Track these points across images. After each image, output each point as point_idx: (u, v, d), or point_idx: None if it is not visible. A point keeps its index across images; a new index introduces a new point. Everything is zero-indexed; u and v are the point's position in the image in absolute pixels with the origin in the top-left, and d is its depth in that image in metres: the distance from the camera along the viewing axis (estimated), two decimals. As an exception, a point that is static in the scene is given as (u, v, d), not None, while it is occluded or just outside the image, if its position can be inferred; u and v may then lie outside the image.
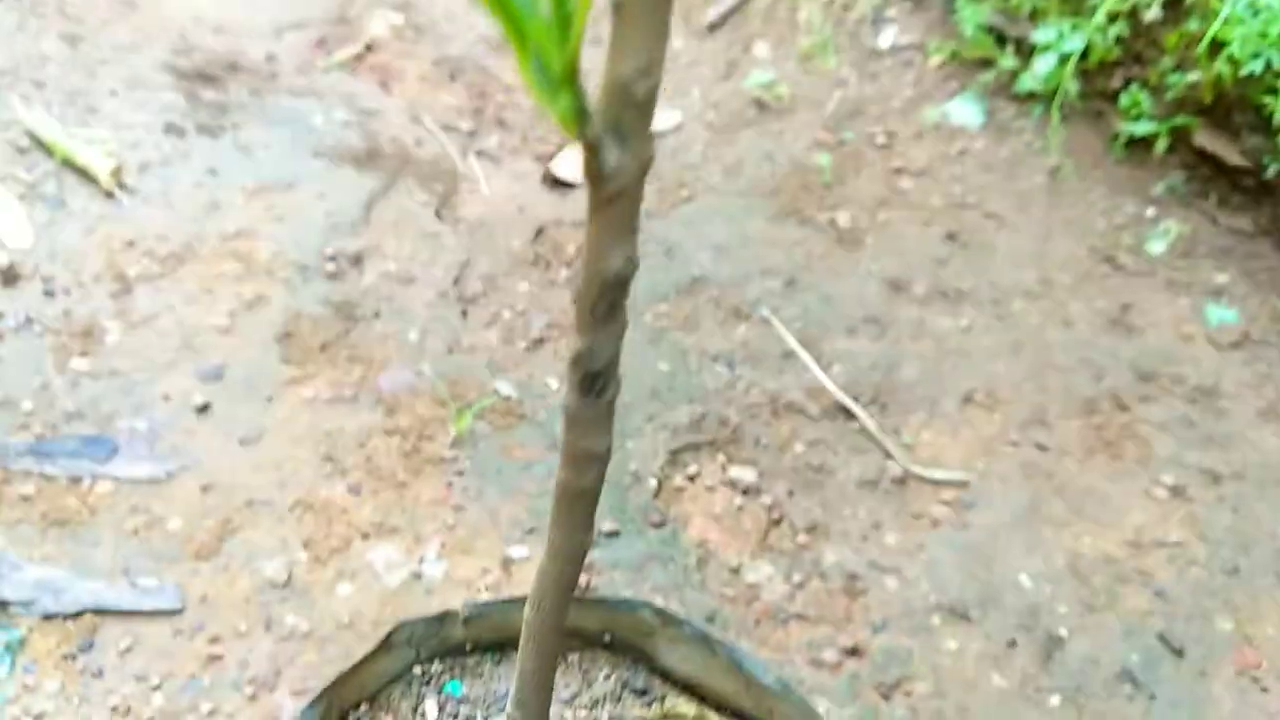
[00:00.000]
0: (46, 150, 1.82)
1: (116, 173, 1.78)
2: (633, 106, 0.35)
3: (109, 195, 1.77)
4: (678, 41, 2.41)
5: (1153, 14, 1.76)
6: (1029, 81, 2.03)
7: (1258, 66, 1.60)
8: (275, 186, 1.85)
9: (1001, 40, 2.16)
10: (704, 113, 2.20)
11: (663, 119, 2.17)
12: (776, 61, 2.34)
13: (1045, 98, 2.04)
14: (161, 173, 1.84)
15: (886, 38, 2.37)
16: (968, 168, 2.02)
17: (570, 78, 0.33)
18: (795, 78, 2.28)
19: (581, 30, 0.32)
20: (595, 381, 0.45)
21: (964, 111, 2.12)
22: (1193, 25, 1.72)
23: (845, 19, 2.44)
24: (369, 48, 2.41)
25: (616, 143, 0.35)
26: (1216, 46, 1.67)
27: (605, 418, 0.47)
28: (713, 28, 2.43)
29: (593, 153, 0.35)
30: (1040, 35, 1.98)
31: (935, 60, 2.27)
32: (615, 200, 0.37)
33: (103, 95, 1.99)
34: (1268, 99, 1.63)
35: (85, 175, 1.79)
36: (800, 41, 2.37)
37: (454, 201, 1.94)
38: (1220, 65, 1.65)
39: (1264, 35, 1.57)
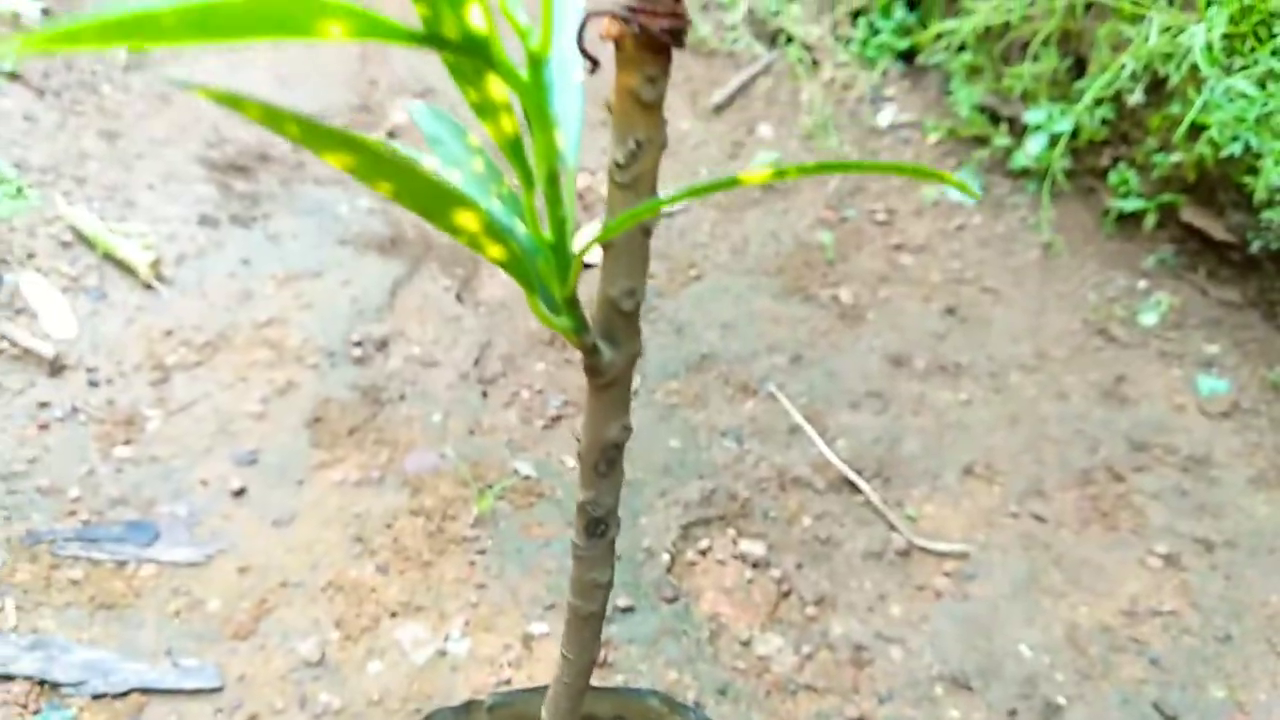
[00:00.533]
0: (89, 244, 1.94)
1: (155, 265, 1.89)
2: (621, 317, 0.43)
3: (148, 287, 1.87)
4: (685, 123, 2.51)
5: (1136, 98, 1.85)
6: (1022, 159, 2.12)
7: (1237, 149, 1.68)
8: (304, 274, 1.96)
9: (995, 119, 2.25)
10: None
11: (672, 199, 2.27)
12: (780, 141, 2.44)
13: (1038, 175, 2.12)
14: (197, 264, 1.95)
15: (885, 116, 2.47)
16: (965, 243, 2.10)
17: (570, 305, 0.41)
18: (799, 157, 2.38)
19: (577, 272, 0.41)
20: (598, 525, 0.52)
21: (961, 187, 2.21)
22: (1174, 109, 1.81)
23: (845, 98, 2.55)
24: (391, 135, 2.53)
25: (610, 346, 0.44)
26: (1197, 129, 1.76)
27: (607, 554, 0.54)
28: (719, 109, 2.54)
29: (591, 354, 0.43)
30: (1031, 116, 2.07)
31: (933, 138, 2.37)
32: (610, 387, 0.45)
33: (140, 189, 2.11)
34: (1248, 179, 1.71)
35: (125, 268, 1.90)
36: (802, 121, 2.48)
37: (474, 284, 2.03)
38: (1201, 147, 1.73)
39: (1240, 120, 1.65)
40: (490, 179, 0.46)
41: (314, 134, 0.28)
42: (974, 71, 2.27)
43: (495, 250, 0.36)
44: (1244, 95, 1.65)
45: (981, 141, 2.26)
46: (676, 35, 0.37)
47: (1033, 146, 2.06)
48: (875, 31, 2.59)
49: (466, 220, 0.34)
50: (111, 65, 2.55)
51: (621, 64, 0.38)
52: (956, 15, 2.27)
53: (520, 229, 0.41)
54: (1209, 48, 1.70)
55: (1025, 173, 2.16)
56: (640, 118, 0.39)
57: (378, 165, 0.31)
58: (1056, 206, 2.13)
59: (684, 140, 2.46)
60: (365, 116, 2.59)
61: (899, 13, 2.56)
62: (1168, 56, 1.78)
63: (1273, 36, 1.63)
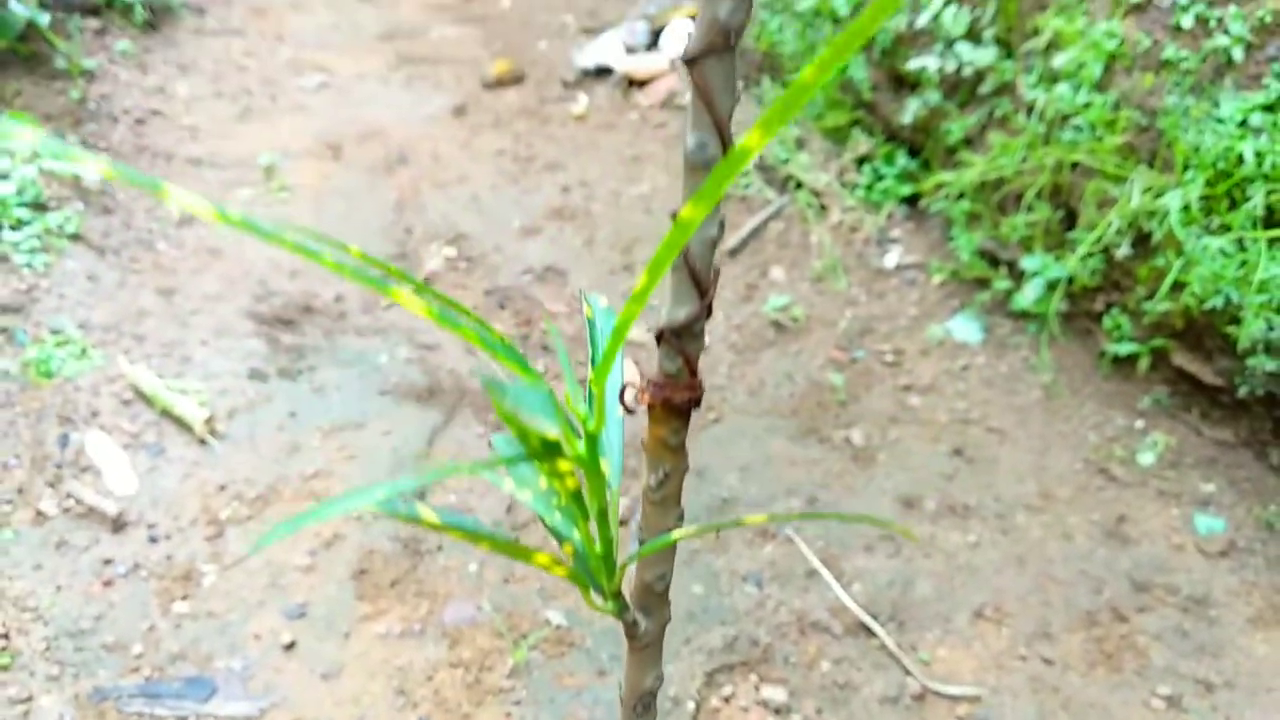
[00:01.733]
0: (148, 401, 2.08)
1: (209, 421, 2.03)
2: (654, 596, 0.54)
3: (202, 442, 2.01)
4: (702, 266, 2.66)
5: (1123, 252, 1.98)
6: (1022, 301, 2.24)
7: (1218, 302, 1.80)
8: (347, 426, 2.09)
9: (995, 262, 2.39)
10: (728, 334, 2.43)
11: (691, 342, 2.40)
12: (792, 283, 2.58)
13: (1038, 317, 2.25)
14: (247, 418, 2.08)
15: (892, 258, 2.61)
16: (970, 383, 2.22)
17: (616, 596, 0.52)
18: (809, 298, 2.52)
19: (621, 577, 0.52)
20: (639, 750, 0.63)
21: (965, 328, 2.34)
22: (1160, 261, 1.93)
23: (853, 240, 2.70)
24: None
25: (645, 618, 0.55)
26: (1181, 281, 1.88)
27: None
28: (733, 253, 2.70)
29: (630, 627, 0.54)
30: (1028, 264, 2.21)
31: (937, 279, 2.50)
32: (646, 648, 0.56)
33: (195, 344, 2.26)
34: (1231, 328, 1.82)
35: (182, 424, 2.04)
36: (813, 263, 2.62)
37: (505, 429, 2.15)
38: (1186, 298, 1.85)
39: (1220, 276, 1.77)
40: (551, 494, 0.57)
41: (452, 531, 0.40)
42: (973, 218, 2.41)
43: (560, 570, 0.48)
44: (1222, 253, 1.77)
45: (983, 284, 2.39)
46: (695, 402, 0.49)
47: (1030, 292, 2.18)
48: (880, 177, 2.75)
49: (542, 559, 0.46)
50: (166, 222, 2.74)
51: (653, 419, 0.51)
52: (955, 166, 2.42)
53: (577, 538, 0.53)
54: (1186, 208, 1.83)
55: (1025, 314, 2.28)
56: (668, 455, 0.51)
57: (482, 541, 0.42)
58: (1056, 347, 2.25)
59: (701, 284, 2.60)
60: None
61: (901, 159, 2.72)
62: (1151, 214, 1.92)
63: (1247, 199, 1.77)
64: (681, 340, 0.48)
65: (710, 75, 0.43)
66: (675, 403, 0.49)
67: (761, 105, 3.21)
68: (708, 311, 0.49)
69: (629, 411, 0.52)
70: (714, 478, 2.01)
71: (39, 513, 1.80)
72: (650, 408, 0.50)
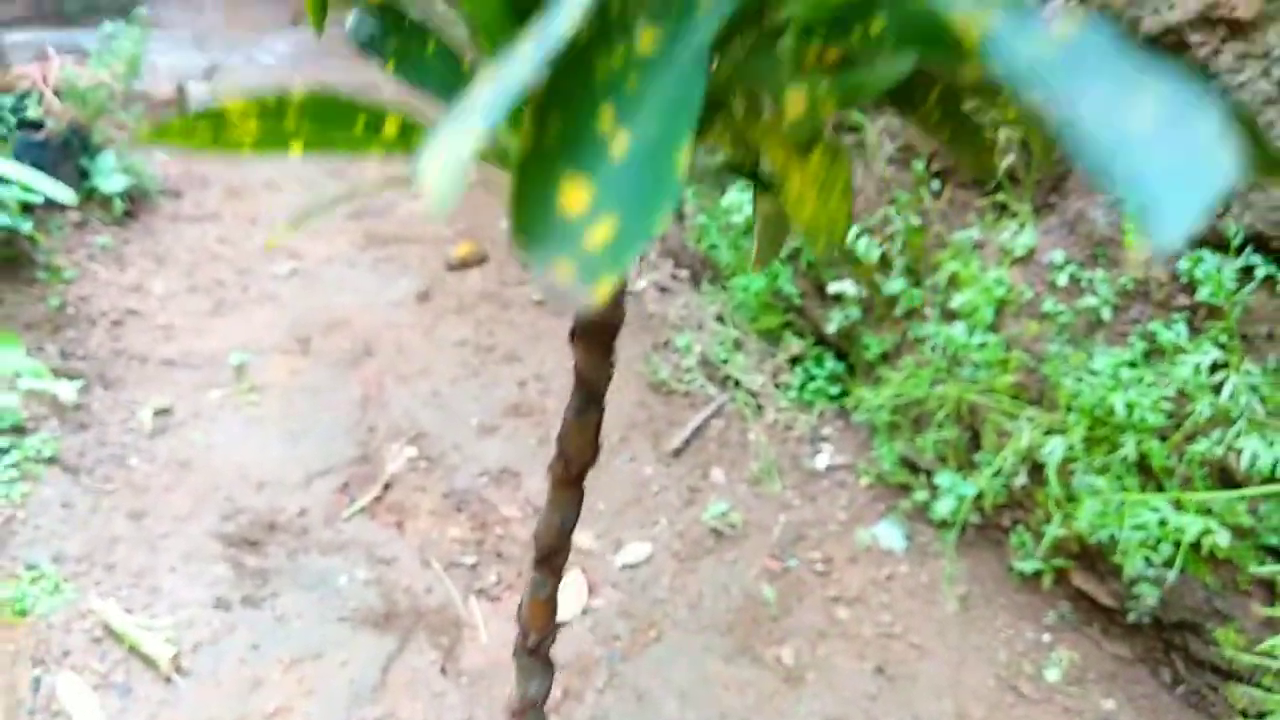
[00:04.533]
0: (117, 638, 2.20)
1: (175, 659, 2.14)
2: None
3: (168, 680, 2.12)
4: (648, 468, 2.83)
5: (1020, 480, 2.16)
6: (939, 511, 2.41)
7: (1104, 536, 1.97)
8: (306, 656, 2.21)
9: (915, 470, 2.57)
10: (671, 542, 2.58)
11: (635, 552, 2.55)
12: (731, 485, 2.75)
13: (955, 526, 2.42)
14: (212, 651, 2.20)
15: (823, 459, 2.79)
16: (894, 594, 2.37)
17: None
18: (747, 502, 2.68)
19: None
20: None
21: (890, 534, 2.50)
22: (1055, 489, 2.11)
23: (788, 438, 2.88)
24: (388, 487, 2.84)
25: None
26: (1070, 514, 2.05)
27: None
28: (677, 453, 2.87)
29: None
30: (940, 479, 2.39)
31: (864, 481, 2.68)
32: None
33: (164, 572, 2.39)
34: (1118, 558, 1.99)
35: (148, 661, 2.15)
36: (750, 464, 2.79)
37: (457, 652, 2.28)
38: (1077, 528, 2.03)
39: (1104, 514, 1.95)
40: None
41: None
42: (894, 428, 2.60)
43: None
44: (1102, 494, 1.95)
45: (906, 489, 2.57)
46: None
47: (943, 506, 2.36)
48: (811, 377, 2.95)
49: None
50: (139, 434, 2.89)
51: None
52: (875, 381, 2.62)
53: None
54: (1071, 447, 2.02)
55: (945, 523, 2.45)
56: None
57: None
58: (971, 556, 2.41)
59: (647, 486, 2.77)
60: (365, 468, 2.91)
61: (830, 363, 2.93)
62: (1042, 447, 2.10)
63: (1118, 447, 1.96)
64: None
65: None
66: None
67: (704, 302, 3.43)
68: None
69: None
70: (654, 703, 2.14)
71: (11, 769, 1.90)
72: None
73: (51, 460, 2.66)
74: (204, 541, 2.51)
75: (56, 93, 3.72)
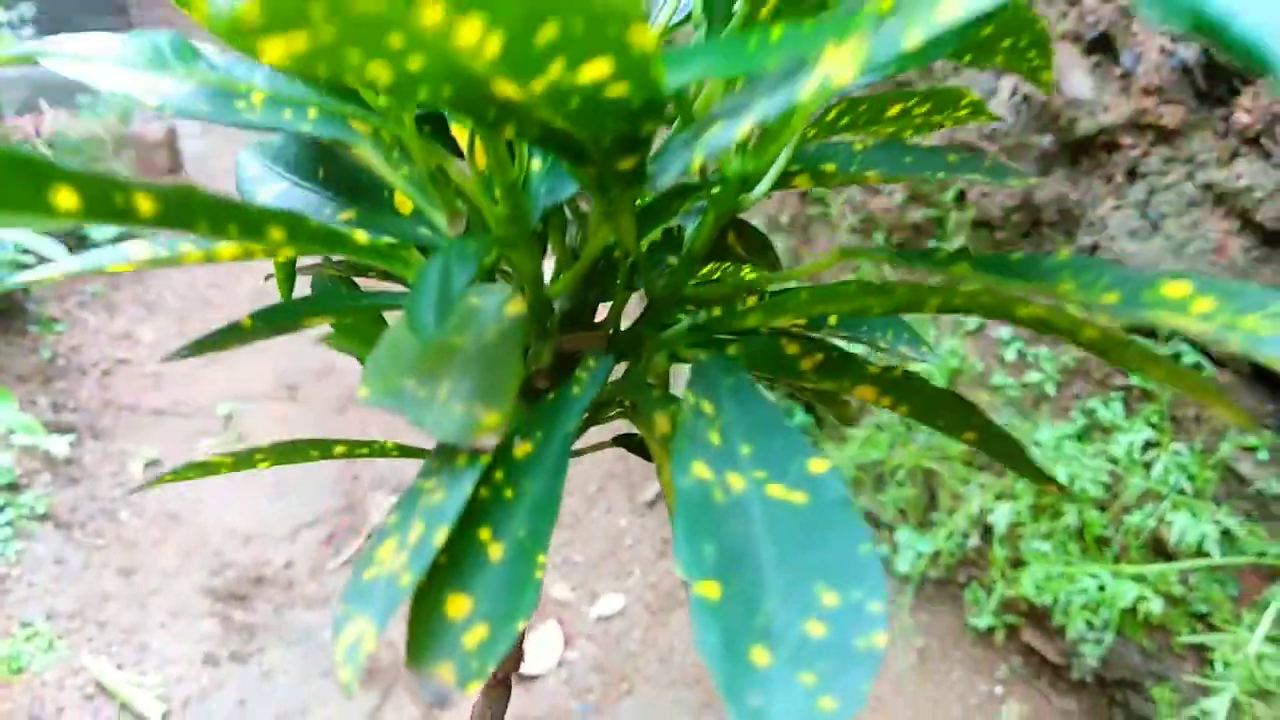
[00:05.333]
0: (109, 695, 2.29)
1: (165, 717, 2.24)
2: None
3: (159, 738, 2.22)
4: (623, 519, 2.93)
5: (973, 542, 2.27)
6: (900, 567, 2.52)
7: (1048, 599, 2.08)
8: (292, 713, 2.30)
9: (878, 525, 2.67)
10: (644, 594, 2.69)
11: (610, 604, 2.65)
12: (702, 537, 2.85)
13: (913, 581, 2.52)
14: (200, 708, 2.29)
15: (791, 511, 2.89)
16: (855, 647, 2.47)
17: None
18: (717, 554, 2.78)
19: None
20: None
21: (852, 587, 2.60)
22: (1000, 553, 2.22)
23: (758, 490, 2.98)
24: (370, 538, 2.93)
25: None
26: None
27: None
28: (651, 504, 2.97)
29: None
30: (899, 536, 2.49)
31: (830, 534, 2.78)
32: None
33: (154, 628, 2.48)
34: (1062, 619, 2.10)
35: (139, 718, 2.24)
36: (721, 516, 2.89)
37: (435, 715, 2.37)
38: (1024, 589, 2.13)
39: (1048, 579, 2.06)
40: None
41: None
42: (858, 483, 2.71)
43: None
44: (1047, 559, 2.06)
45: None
46: None
47: (902, 562, 2.46)
48: (781, 430, 3.05)
49: None
50: (129, 487, 2.98)
51: None
52: (841, 440, 2.73)
53: None
54: (1018, 513, 2.13)
55: (906, 578, 2.56)
56: None
57: None
58: (930, 610, 2.52)
59: (621, 538, 2.87)
60: (349, 518, 3.00)
61: (800, 415, 3.03)
62: (992, 512, 2.21)
63: (1062, 515, 2.07)
64: None
65: None
66: None
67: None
68: None
69: None
70: (623, 755, 2.24)
71: (7, 829, 1.99)
72: None
73: (44, 517, 2.75)
74: (192, 597, 2.60)
75: (50, 145, 3.81)
